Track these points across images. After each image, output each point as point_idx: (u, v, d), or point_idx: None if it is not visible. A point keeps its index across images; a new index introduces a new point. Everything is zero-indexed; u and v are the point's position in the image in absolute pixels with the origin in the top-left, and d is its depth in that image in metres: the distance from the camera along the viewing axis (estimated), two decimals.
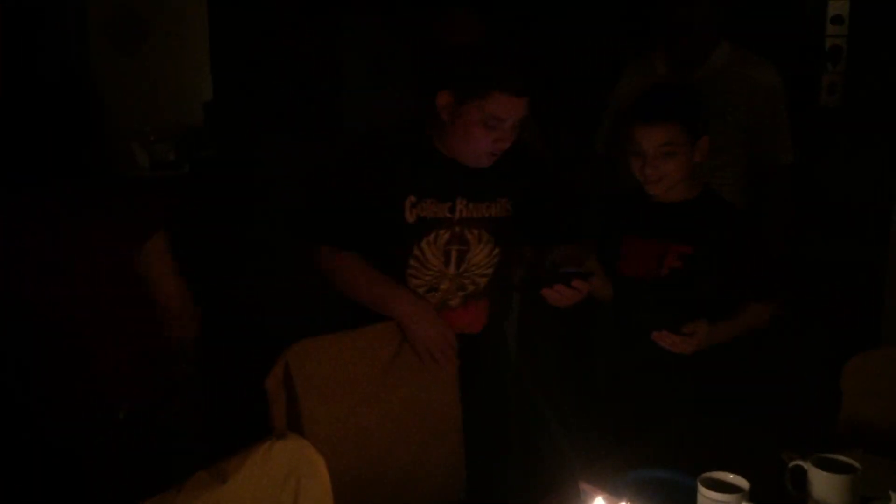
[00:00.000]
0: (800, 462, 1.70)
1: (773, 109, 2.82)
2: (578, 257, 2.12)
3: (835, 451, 1.72)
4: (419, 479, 2.04)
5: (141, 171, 3.42)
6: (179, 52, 3.65)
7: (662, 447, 1.97)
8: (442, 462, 2.08)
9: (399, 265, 2.14)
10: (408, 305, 2.07)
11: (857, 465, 1.65)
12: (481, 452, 2.17)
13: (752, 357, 2.30)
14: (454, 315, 2.19)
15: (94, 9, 3.53)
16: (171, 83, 3.61)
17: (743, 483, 1.63)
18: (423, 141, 2.15)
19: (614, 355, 2.41)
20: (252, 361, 1.94)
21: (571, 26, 3.55)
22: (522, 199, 2.22)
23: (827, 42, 3.31)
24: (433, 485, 2.05)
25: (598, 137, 3.08)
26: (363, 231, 2.12)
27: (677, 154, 2.24)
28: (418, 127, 2.17)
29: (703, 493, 1.61)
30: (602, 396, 2.48)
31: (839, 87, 3.33)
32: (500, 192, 2.19)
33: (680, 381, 2.25)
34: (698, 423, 2.08)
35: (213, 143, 3.15)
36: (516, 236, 2.24)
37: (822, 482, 1.65)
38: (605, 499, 1.50)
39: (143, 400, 2.67)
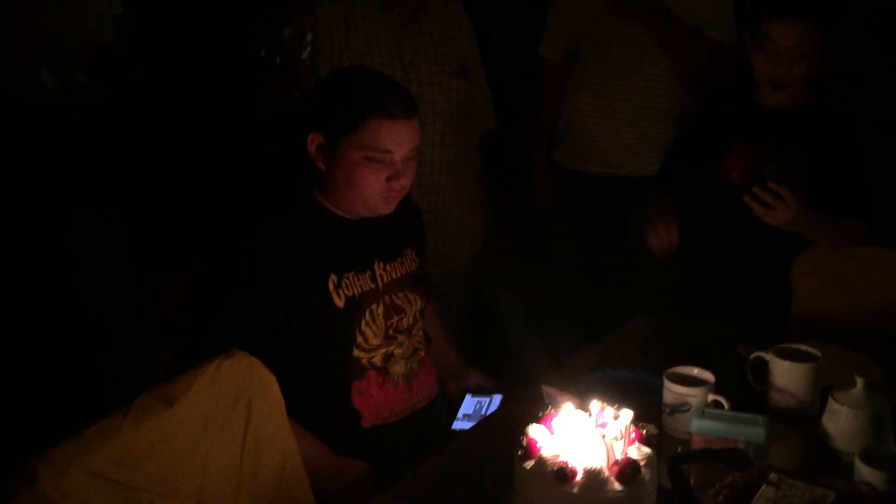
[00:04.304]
0: (761, 354, 1.69)
1: None
2: None
3: (789, 342, 1.71)
4: None
5: (51, 96, 3.18)
6: None
7: (619, 348, 1.95)
8: None
9: (341, 359, 1.74)
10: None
11: (817, 353, 1.65)
12: None
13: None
14: (424, 380, 1.85)
15: None
16: None
17: (708, 376, 1.61)
18: (310, 203, 1.78)
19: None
20: None
21: None
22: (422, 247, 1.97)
23: None
24: None
25: (545, 42, 2.88)
26: (290, 337, 1.70)
27: (810, 56, 2.06)
28: (299, 188, 1.80)
29: (670, 387, 1.59)
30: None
31: None
32: (405, 244, 1.89)
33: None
34: (654, 320, 2.06)
35: (127, 62, 2.94)
36: (429, 288, 1.95)
37: (783, 372, 1.64)
38: (570, 401, 1.45)
39: None
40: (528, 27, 2.84)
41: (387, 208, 1.76)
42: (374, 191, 1.72)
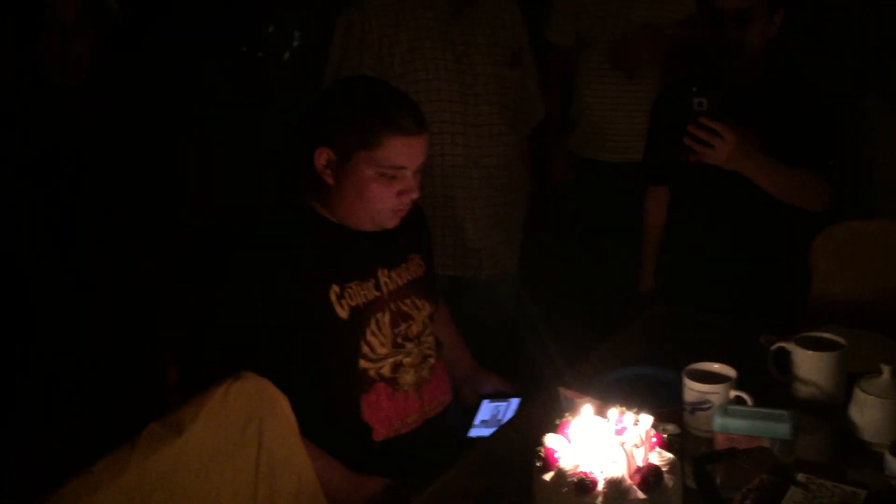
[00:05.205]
0: (782, 344, 1.64)
1: None
2: None
3: (811, 329, 1.67)
4: None
5: None
6: None
7: (637, 342, 1.92)
8: None
9: (348, 372, 1.70)
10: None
11: (842, 341, 1.60)
12: None
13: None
14: (436, 387, 1.82)
15: None
16: None
17: (729, 371, 1.57)
18: (310, 214, 1.74)
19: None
20: None
21: None
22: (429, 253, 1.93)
23: None
24: None
25: (551, 26, 2.84)
26: (294, 352, 1.67)
27: (755, 22, 2.05)
28: (294, 198, 1.76)
29: (690, 385, 1.55)
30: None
31: None
32: (410, 249, 1.85)
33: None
34: (669, 312, 2.02)
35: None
36: (437, 291, 1.93)
37: (807, 362, 1.60)
38: (589, 403, 1.41)
39: None
40: (534, 12, 2.79)
41: (394, 222, 1.74)
42: (386, 206, 1.70)
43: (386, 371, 1.72)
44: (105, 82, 2.07)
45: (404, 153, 1.66)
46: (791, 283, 2.15)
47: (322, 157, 1.68)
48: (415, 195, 1.71)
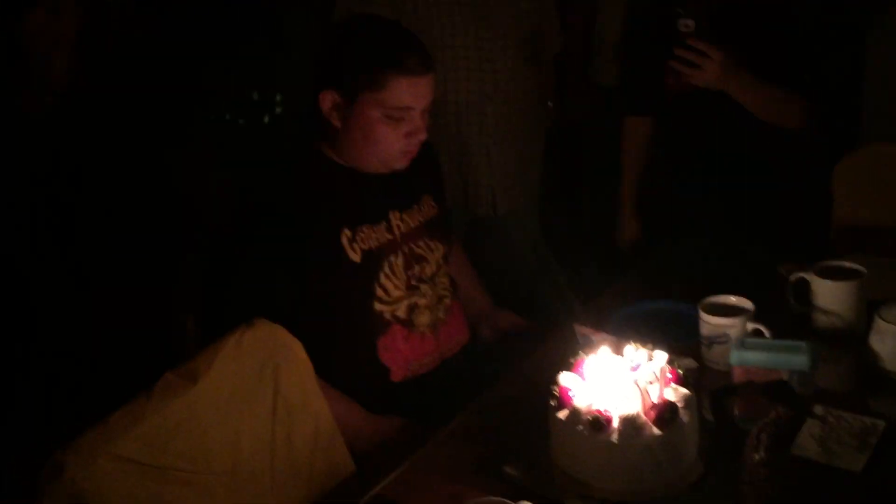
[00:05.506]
0: (802, 274, 1.61)
1: None
2: None
3: (833, 258, 1.63)
4: None
5: None
6: None
7: (654, 275, 1.89)
8: None
9: (363, 315, 1.69)
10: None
11: (862, 269, 1.57)
12: None
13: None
14: (452, 327, 1.81)
15: None
16: None
17: (747, 304, 1.54)
18: (320, 158, 1.72)
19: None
20: None
21: None
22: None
23: None
24: None
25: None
26: (309, 297, 1.66)
27: None
28: (305, 142, 1.74)
29: (706, 319, 1.53)
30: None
31: None
32: (422, 190, 1.82)
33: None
34: (688, 244, 1.98)
35: None
36: (450, 232, 1.91)
37: (827, 292, 1.57)
38: (606, 341, 1.40)
39: None
40: None
41: (403, 163, 1.71)
42: (394, 148, 1.67)
43: (401, 313, 1.72)
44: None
45: (410, 93, 1.62)
46: (807, 213, 2.10)
47: (328, 100, 1.65)
48: (423, 136, 1.68)
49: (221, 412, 1.37)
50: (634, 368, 1.30)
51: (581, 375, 1.32)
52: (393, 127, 1.64)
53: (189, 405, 1.33)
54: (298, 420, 1.47)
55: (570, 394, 1.29)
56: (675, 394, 1.28)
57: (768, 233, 2.02)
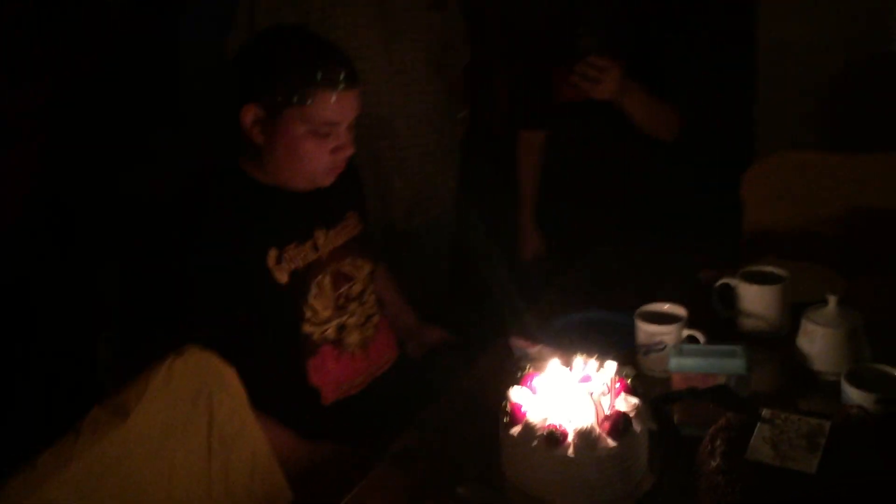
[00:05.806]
0: (727, 280, 1.65)
1: None
2: None
3: (747, 262, 1.69)
4: None
5: None
6: None
7: (579, 287, 1.91)
8: None
9: (293, 337, 1.63)
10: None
11: (785, 273, 1.62)
12: None
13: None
14: (381, 344, 1.77)
15: None
16: None
17: (680, 311, 1.57)
18: (239, 176, 1.64)
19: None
20: None
21: None
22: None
23: None
24: None
25: None
26: (235, 321, 1.58)
27: None
28: (224, 160, 1.67)
29: (642, 327, 1.55)
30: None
31: None
32: (346, 206, 1.78)
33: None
34: (609, 253, 2.02)
35: None
36: (376, 248, 1.88)
37: (753, 296, 1.62)
38: (543, 353, 1.40)
39: None
40: None
41: (330, 180, 1.66)
42: (321, 164, 1.61)
43: (330, 333, 1.67)
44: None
45: (337, 108, 1.57)
46: (714, 219, 2.18)
47: (249, 115, 1.58)
48: (350, 151, 1.63)
49: (154, 447, 1.29)
50: (584, 380, 1.30)
51: (531, 389, 1.30)
52: (319, 143, 1.59)
53: (120, 442, 1.24)
54: (235, 449, 1.40)
55: (523, 409, 1.27)
56: (626, 404, 1.29)
57: (674, 239, 2.07)
